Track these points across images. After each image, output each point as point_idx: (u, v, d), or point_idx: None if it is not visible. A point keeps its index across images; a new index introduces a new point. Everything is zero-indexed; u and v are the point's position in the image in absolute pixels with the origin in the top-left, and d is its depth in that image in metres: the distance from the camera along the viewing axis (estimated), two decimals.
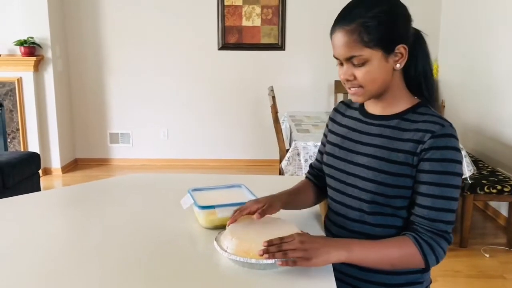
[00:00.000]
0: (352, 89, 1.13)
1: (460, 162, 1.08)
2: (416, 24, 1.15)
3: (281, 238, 1.06)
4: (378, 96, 1.15)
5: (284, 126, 4.04)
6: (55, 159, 4.76)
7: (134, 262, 1.14)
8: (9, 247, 1.22)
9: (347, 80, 1.12)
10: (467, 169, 2.99)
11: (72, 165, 5.03)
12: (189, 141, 5.09)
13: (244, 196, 1.37)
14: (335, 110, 1.35)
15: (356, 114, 1.25)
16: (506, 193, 3.12)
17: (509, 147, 3.55)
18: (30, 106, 4.55)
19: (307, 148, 3.06)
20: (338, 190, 1.22)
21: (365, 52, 1.07)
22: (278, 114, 3.69)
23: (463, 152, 3.01)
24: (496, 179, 3.20)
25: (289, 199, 1.28)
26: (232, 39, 4.87)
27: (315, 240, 1.06)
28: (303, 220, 1.35)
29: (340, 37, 1.08)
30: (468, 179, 3.02)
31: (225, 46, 4.88)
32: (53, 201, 1.62)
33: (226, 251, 1.10)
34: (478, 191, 3.13)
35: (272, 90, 3.79)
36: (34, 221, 1.40)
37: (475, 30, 4.13)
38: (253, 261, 1.06)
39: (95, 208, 1.53)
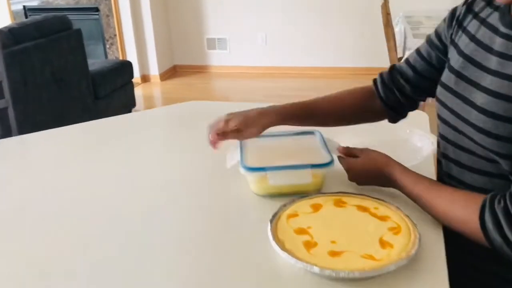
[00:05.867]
0: None
1: None
2: None
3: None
4: None
5: (398, 29, 3.38)
6: (153, 66, 4.64)
7: (157, 230, 0.85)
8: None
9: None
10: None
11: (171, 72, 4.89)
12: (289, 47, 4.61)
13: (315, 152, 0.94)
14: (468, 7, 0.83)
15: (495, 19, 0.76)
16: None
17: None
18: (125, 11, 4.37)
19: None
20: (450, 141, 0.81)
21: None
22: (392, 15, 3.05)
23: None
24: None
25: (300, 112, 0.94)
26: None
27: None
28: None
29: None
30: None
31: None
32: (107, 130, 1.38)
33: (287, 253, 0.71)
34: None
35: None
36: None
37: None
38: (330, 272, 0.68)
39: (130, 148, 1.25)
